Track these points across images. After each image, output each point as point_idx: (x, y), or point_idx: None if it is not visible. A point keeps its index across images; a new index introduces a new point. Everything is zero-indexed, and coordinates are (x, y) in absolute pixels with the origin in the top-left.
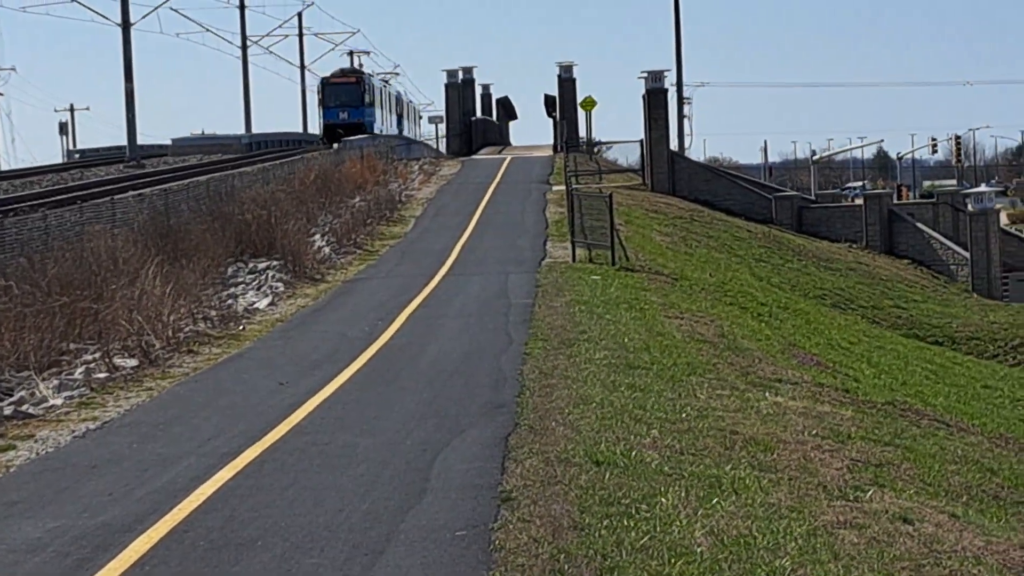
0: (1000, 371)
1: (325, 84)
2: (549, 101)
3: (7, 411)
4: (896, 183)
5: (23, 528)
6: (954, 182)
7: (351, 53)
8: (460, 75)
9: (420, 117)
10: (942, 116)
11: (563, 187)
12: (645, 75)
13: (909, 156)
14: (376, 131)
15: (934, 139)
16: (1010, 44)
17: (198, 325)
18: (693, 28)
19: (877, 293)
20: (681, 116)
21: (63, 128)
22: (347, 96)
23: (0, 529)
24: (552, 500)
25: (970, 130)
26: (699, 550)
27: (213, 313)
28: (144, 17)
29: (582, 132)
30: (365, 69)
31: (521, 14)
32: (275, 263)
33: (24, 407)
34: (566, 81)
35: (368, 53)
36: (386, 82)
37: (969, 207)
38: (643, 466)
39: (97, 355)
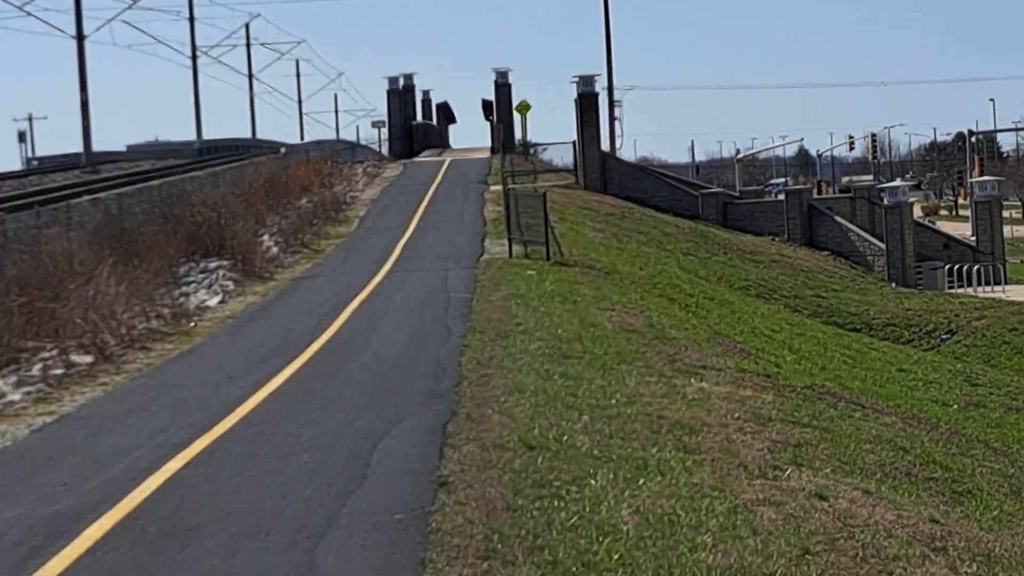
0: (914, 355)
1: None
2: (486, 105)
3: None
4: (816, 179)
5: None
6: (871, 178)
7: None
8: (401, 81)
9: None
10: (859, 115)
11: (500, 187)
12: (577, 80)
13: (828, 153)
14: None
15: (851, 137)
16: (922, 46)
17: (151, 323)
18: (623, 33)
19: (799, 283)
20: (612, 118)
21: (22, 136)
22: None
23: None
24: (487, 484)
25: (885, 128)
26: (625, 528)
27: (165, 311)
28: (98, 30)
29: (518, 135)
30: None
31: (459, 22)
32: (225, 263)
33: None
34: (502, 86)
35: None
36: None
37: (885, 201)
38: (574, 450)
39: (54, 352)
